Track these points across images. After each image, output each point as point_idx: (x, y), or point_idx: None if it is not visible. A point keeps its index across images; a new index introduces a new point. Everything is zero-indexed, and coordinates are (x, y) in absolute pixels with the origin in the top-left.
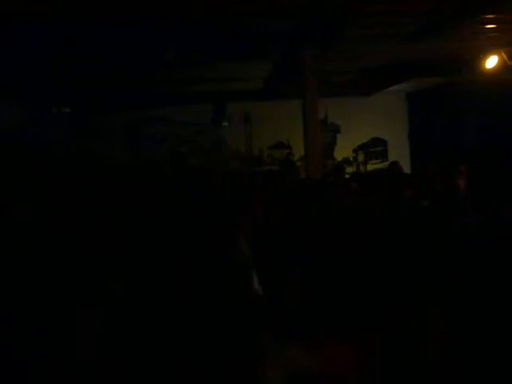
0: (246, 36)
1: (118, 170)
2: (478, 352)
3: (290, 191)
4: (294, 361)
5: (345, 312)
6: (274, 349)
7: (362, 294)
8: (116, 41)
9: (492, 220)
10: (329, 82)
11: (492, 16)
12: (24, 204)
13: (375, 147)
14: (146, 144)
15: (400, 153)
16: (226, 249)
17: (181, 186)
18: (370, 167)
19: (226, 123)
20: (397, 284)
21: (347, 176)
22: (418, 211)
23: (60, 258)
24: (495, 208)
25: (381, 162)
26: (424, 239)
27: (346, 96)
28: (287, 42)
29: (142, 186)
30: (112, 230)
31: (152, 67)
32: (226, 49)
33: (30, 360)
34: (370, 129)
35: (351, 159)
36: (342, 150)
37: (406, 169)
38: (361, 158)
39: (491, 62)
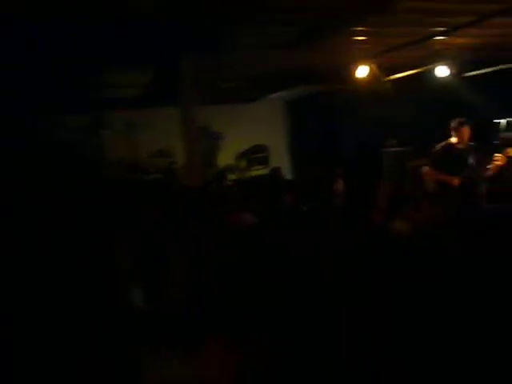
0: (126, 43)
1: None
2: None
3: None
4: (170, 367)
5: (223, 317)
6: (152, 356)
7: (238, 299)
8: None
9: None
10: (210, 89)
11: (362, 29)
12: None
13: (257, 154)
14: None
15: (281, 159)
16: (97, 262)
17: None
18: (252, 173)
19: (108, 131)
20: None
21: (230, 183)
22: (298, 216)
23: None
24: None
25: (263, 169)
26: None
27: (228, 103)
28: (166, 50)
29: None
30: None
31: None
32: (106, 56)
33: None
34: (252, 136)
35: (234, 166)
36: (225, 157)
37: (287, 174)
38: (243, 164)
39: (362, 71)
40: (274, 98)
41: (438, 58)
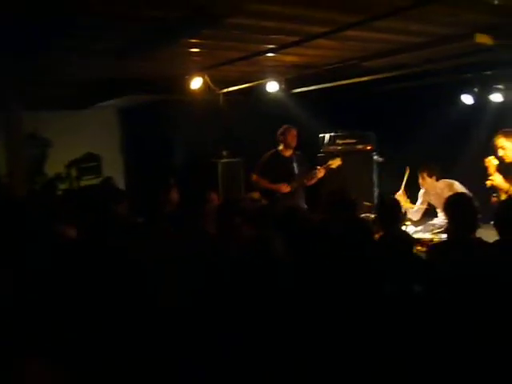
0: None
1: None
2: None
3: None
4: None
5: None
6: None
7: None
8: None
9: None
10: (33, 93)
11: (196, 41)
12: None
13: (89, 163)
14: None
15: (114, 168)
16: None
17: None
18: (83, 183)
19: None
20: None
21: (60, 193)
22: (133, 227)
23: None
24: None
25: (95, 178)
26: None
27: (58, 109)
28: None
29: None
30: None
31: None
32: None
33: None
34: (84, 144)
35: (64, 175)
36: (54, 166)
37: (120, 184)
38: (74, 173)
39: (196, 83)
40: (106, 105)
41: (269, 74)
